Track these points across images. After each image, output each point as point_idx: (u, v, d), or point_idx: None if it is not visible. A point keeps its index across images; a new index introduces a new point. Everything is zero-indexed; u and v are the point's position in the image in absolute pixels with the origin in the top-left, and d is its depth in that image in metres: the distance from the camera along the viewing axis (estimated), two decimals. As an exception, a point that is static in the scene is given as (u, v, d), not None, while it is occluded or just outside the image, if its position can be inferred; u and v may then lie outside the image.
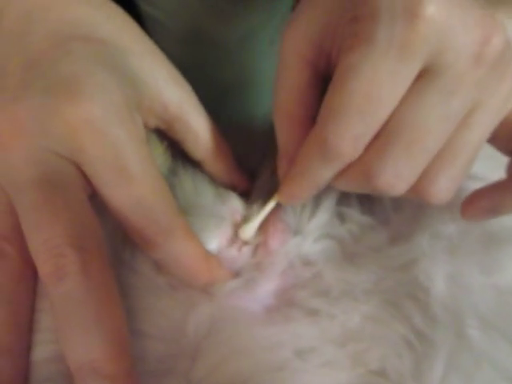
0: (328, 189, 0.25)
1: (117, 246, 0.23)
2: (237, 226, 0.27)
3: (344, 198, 0.28)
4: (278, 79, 0.24)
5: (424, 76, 0.20)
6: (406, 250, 0.25)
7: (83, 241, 0.20)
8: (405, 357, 0.23)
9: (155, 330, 0.22)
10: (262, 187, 0.29)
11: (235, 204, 0.28)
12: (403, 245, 0.25)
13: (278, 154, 0.26)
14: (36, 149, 0.21)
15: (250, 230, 0.27)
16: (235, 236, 0.28)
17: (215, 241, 0.26)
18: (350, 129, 0.20)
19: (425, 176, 0.22)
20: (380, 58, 0.19)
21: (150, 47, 0.26)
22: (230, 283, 0.25)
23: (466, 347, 0.23)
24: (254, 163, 0.31)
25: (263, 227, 0.27)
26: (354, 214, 0.27)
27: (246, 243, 0.27)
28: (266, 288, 0.25)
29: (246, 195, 0.30)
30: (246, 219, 0.28)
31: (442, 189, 0.22)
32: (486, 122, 0.22)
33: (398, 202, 0.27)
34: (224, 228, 0.27)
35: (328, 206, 0.27)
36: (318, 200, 0.28)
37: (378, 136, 0.21)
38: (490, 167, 0.26)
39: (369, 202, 0.28)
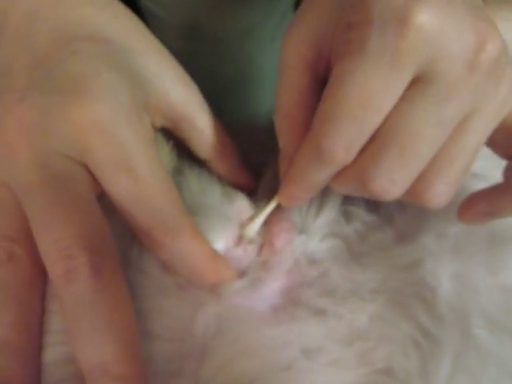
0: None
1: (124, 247, 0.23)
2: (243, 226, 0.28)
3: (349, 197, 0.28)
4: (278, 81, 0.24)
5: (417, 83, 0.20)
6: (412, 250, 0.25)
7: (93, 242, 0.20)
8: (411, 356, 0.23)
9: (163, 331, 0.22)
10: (267, 186, 0.29)
11: (241, 204, 0.28)
12: (409, 244, 0.25)
13: (280, 155, 0.26)
14: (44, 150, 0.21)
15: (252, 229, 0.27)
16: (241, 236, 0.28)
17: (222, 241, 0.26)
18: (343, 134, 0.21)
19: (421, 180, 0.22)
20: (372, 66, 0.20)
21: (155, 46, 0.25)
22: (237, 283, 0.25)
23: (472, 346, 0.23)
24: (259, 161, 0.31)
25: (268, 226, 0.27)
26: (360, 212, 0.27)
27: (250, 242, 0.27)
28: (272, 287, 0.25)
29: (252, 194, 0.30)
30: (249, 218, 0.28)
31: (439, 193, 0.22)
32: (483, 128, 0.22)
33: (403, 202, 0.27)
34: (230, 228, 0.27)
35: (333, 204, 0.27)
36: (323, 199, 0.28)
37: (372, 141, 0.21)
38: (493, 166, 0.26)
39: (374, 200, 0.28)
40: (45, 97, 0.21)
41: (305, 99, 0.23)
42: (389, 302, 0.24)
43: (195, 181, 0.28)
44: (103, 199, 0.22)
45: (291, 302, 0.25)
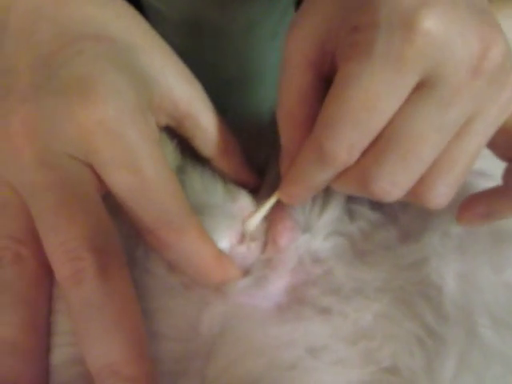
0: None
1: (130, 247, 0.23)
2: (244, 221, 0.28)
3: (353, 195, 0.28)
4: (281, 79, 0.24)
5: (421, 87, 0.20)
6: (416, 249, 0.25)
7: (100, 243, 0.20)
8: (416, 354, 0.23)
9: (169, 330, 0.22)
10: (270, 184, 0.29)
11: (244, 201, 0.28)
12: (414, 243, 0.25)
13: (281, 153, 0.26)
14: (49, 151, 0.21)
15: (252, 223, 0.27)
16: (243, 234, 0.28)
17: (226, 239, 0.26)
18: (346, 137, 0.21)
19: (423, 182, 0.22)
20: (377, 70, 0.20)
21: (159, 44, 0.25)
22: (242, 282, 0.25)
23: (477, 345, 0.23)
24: (261, 159, 0.31)
25: (272, 225, 0.27)
26: (364, 211, 0.27)
27: (253, 239, 0.27)
28: (277, 285, 0.25)
29: (255, 191, 0.29)
30: (250, 213, 0.28)
31: (440, 194, 0.23)
32: (484, 131, 0.22)
33: (407, 201, 0.28)
34: (234, 226, 0.27)
35: (337, 202, 0.27)
36: (327, 197, 0.28)
37: (375, 143, 0.21)
38: (498, 164, 0.26)
39: (378, 199, 0.28)
40: (50, 97, 0.21)
41: (307, 98, 0.23)
42: (394, 301, 0.24)
43: (198, 179, 0.28)
44: (108, 199, 0.22)
45: (296, 301, 0.25)
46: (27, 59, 0.22)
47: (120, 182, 0.21)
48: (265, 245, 0.27)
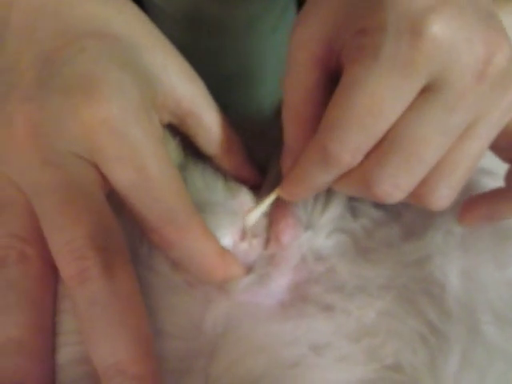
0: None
1: (133, 245, 0.23)
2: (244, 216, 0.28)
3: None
4: (287, 77, 0.24)
5: (426, 92, 0.20)
6: (420, 246, 0.25)
7: (105, 241, 0.20)
8: (420, 352, 0.23)
9: (173, 329, 0.22)
10: (272, 182, 0.29)
11: (245, 198, 0.28)
12: (417, 241, 0.25)
13: (283, 151, 0.26)
14: (53, 150, 0.21)
15: (252, 218, 0.27)
16: (245, 230, 0.28)
17: (228, 236, 0.26)
18: (350, 140, 0.21)
19: (425, 184, 0.22)
20: (384, 74, 0.20)
21: (161, 41, 0.25)
22: (245, 279, 0.25)
23: (480, 342, 0.23)
24: (263, 156, 0.31)
25: (274, 222, 0.27)
26: (367, 208, 0.27)
27: (255, 236, 0.27)
28: (280, 283, 0.25)
29: (256, 188, 0.29)
30: (250, 208, 0.28)
31: (442, 196, 0.23)
32: (487, 134, 0.22)
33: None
34: (236, 223, 0.27)
35: (340, 200, 0.27)
36: (329, 194, 0.28)
37: (378, 145, 0.21)
38: (502, 162, 0.26)
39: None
40: (53, 96, 0.21)
41: (313, 96, 0.23)
42: (397, 298, 0.24)
43: (199, 177, 0.28)
44: (111, 197, 0.22)
45: (299, 298, 0.25)
46: (29, 57, 0.22)
47: (124, 180, 0.21)
48: (267, 241, 0.27)
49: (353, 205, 0.27)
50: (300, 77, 0.23)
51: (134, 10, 0.25)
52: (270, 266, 0.26)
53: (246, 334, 0.23)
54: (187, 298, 0.23)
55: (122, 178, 0.21)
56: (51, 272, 0.21)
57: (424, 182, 0.22)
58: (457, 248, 0.25)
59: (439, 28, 0.19)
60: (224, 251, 0.24)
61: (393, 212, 0.27)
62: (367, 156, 0.22)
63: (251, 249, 0.27)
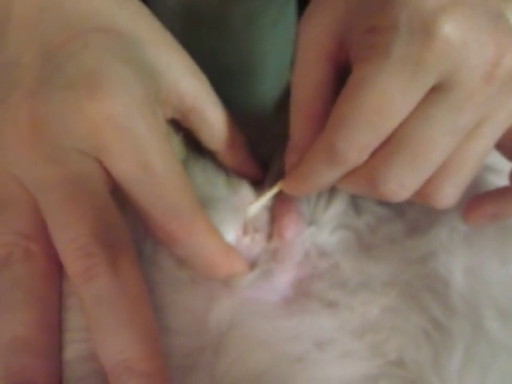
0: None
1: (138, 241, 0.23)
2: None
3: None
4: (295, 72, 0.24)
5: (435, 91, 0.20)
6: (424, 243, 0.25)
7: (111, 238, 0.20)
8: (423, 348, 0.23)
9: (177, 325, 0.22)
10: (275, 177, 0.29)
11: (246, 193, 0.28)
12: (420, 238, 0.25)
13: (288, 145, 0.26)
14: (58, 146, 0.20)
15: (253, 209, 0.27)
16: (248, 225, 0.28)
17: (231, 232, 0.26)
18: (358, 138, 0.21)
19: (430, 183, 0.23)
20: (394, 73, 0.20)
21: (164, 36, 0.25)
22: (249, 275, 0.25)
23: (483, 338, 0.23)
24: (266, 152, 0.31)
25: (277, 218, 0.27)
26: (370, 205, 0.27)
27: (257, 231, 0.27)
28: (283, 279, 0.26)
29: (259, 184, 0.29)
30: (252, 200, 0.28)
31: (447, 195, 0.23)
32: (492, 134, 0.22)
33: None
34: (238, 218, 0.27)
35: (343, 196, 0.28)
36: (333, 190, 0.28)
37: (384, 144, 0.22)
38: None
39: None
40: (57, 92, 0.21)
41: (322, 92, 0.23)
42: (401, 295, 0.24)
43: (201, 173, 0.28)
44: (115, 193, 0.22)
45: (302, 294, 0.25)
46: (32, 52, 0.22)
47: (129, 176, 0.21)
48: (269, 237, 0.27)
49: (356, 201, 0.27)
50: (310, 72, 0.23)
51: (137, 4, 0.25)
52: (274, 261, 0.26)
53: (250, 330, 0.23)
54: (191, 295, 0.23)
55: (127, 174, 0.21)
56: (56, 269, 0.21)
57: (429, 181, 0.22)
58: (461, 245, 0.25)
59: (451, 28, 0.19)
60: (229, 248, 0.24)
61: (396, 209, 0.27)
62: (373, 154, 0.22)
63: (254, 244, 0.27)
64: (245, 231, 0.27)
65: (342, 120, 0.21)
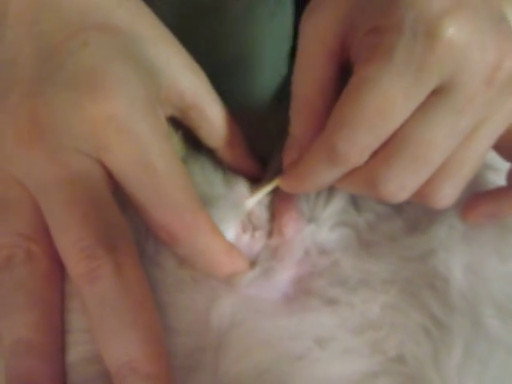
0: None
1: (139, 240, 0.23)
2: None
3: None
4: (297, 68, 0.24)
5: (436, 94, 0.21)
6: (423, 241, 0.25)
7: (114, 240, 0.20)
8: (423, 344, 0.23)
9: (180, 325, 0.22)
10: (273, 174, 0.29)
11: (242, 190, 0.28)
12: (420, 235, 0.26)
13: (288, 141, 0.26)
14: (59, 147, 0.20)
15: (250, 203, 0.27)
16: (247, 222, 0.28)
17: (231, 230, 0.26)
18: (359, 139, 0.21)
19: (429, 184, 0.23)
20: (397, 75, 0.20)
21: (163, 33, 0.25)
22: (249, 273, 0.25)
23: (482, 334, 0.23)
24: (264, 148, 0.31)
25: (277, 216, 0.27)
26: (370, 202, 0.27)
27: (257, 228, 0.27)
28: (284, 277, 0.26)
29: (257, 180, 0.29)
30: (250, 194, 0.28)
31: (446, 196, 0.23)
32: (491, 135, 0.22)
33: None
34: (238, 216, 0.27)
35: (343, 194, 0.28)
36: (332, 188, 0.27)
37: (385, 145, 0.22)
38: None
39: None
40: (57, 91, 0.20)
41: (324, 89, 0.23)
42: (401, 293, 0.24)
43: (199, 171, 0.28)
44: (116, 194, 0.22)
45: (303, 292, 0.25)
46: (29, 50, 0.22)
47: (130, 177, 0.21)
48: (269, 234, 0.27)
49: (356, 199, 0.28)
50: (312, 69, 0.23)
51: (136, 1, 0.24)
52: (274, 259, 0.26)
53: (251, 328, 0.23)
54: (193, 294, 0.23)
55: (128, 175, 0.21)
56: (58, 270, 0.21)
57: (428, 182, 0.22)
58: (460, 242, 0.25)
59: (454, 32, 0.19)
60: (230, 247, 0.24)
61: (396, 206, 0.27)
62: (374, 155, 0.22)
63: (254, 241, 0.27)
64: (244, 228, 0.27)
65: (343, 121, 0.21)
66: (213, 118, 0.26)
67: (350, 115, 0.20)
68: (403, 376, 0.23)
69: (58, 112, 0.20)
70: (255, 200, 0.27)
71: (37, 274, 0.20)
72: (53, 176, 0.20)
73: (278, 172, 0.29)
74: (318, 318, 0.24)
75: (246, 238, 0.27)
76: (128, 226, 0.21)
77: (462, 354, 0.23)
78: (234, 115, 0.28)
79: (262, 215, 0.28)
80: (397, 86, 0.20)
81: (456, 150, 0.22)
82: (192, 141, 0.28)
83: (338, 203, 0.27)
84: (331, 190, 0.28)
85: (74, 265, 0.20)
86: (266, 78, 0.45)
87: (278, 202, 0.28)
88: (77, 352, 0.20)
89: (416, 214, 0.27)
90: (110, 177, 0.22)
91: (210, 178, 0.28)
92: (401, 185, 0.22)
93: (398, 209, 0.27)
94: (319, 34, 0.22)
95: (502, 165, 0.26)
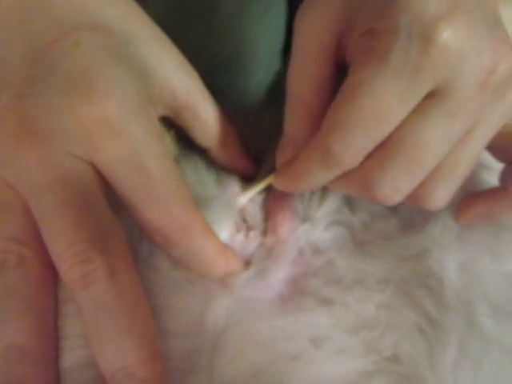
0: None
1: (133, 243, 0.23)
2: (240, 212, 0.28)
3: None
4: (293, 67, 0.23)
5: (430, 97, 0.21)
6: (418, 240, 0.25)
7: (107, 244, 0.20)
8: (418, 343, 0.23)
9: (175, 327, 0.22)
10: (267, 172, 0.29)
11: (234, 189, 0.28)
12: (415, 234, 0.26)
13: (282, 140, 0.25)
14: (50, 150, 0.20)
15: (242, 200, 0.27)
16: (241, 222, 0.28)
17: (225, 230, 0.26)
18: (354, 142, 0.21)
19: (423, 186, 0.23)
20: (392, 78, 0.20)
21: (155, 32, 0.25)
22: (244, 274, 0.25)
23: (476, 333, 0.23)
24: (258, 147, 0.30)
25: (271, 216, 0.27)
26: (364, 201, 0.27)
27: (251, 228, 0.27)
28: (278, 276, 0.26)
29: (251, 180, 0.29)
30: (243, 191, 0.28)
31: (439, 197, 0.23)
32: (484, 137, 0.23)
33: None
34: (232, 216, 0.27)
35: (337, 193, 0.27)
36: (326, 187, 0.27)
37: (379, 148, 0.22)
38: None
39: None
40: (49, 93, 0.20)
41: (320, 88, 0.23)
42: (395, 292, 0.24)
43: (192, 172, 0.27)
44: (109, 196, 0.22)
45: (297, 292, 0.25)
46: (20, 51, 0.21)
47: (124, 180, 0.21)
48: (264, 234, 0.27)
49: (350, 198, 0.28)
50: (308, 68, 0.23)
51: (127, 0, 0.24)
52: (268, 259, 0.26)
53: (246, 329, 0.23)
54: (188, 296, 0.23)
55: (121, 177, 0.21)
56: (51, 274, 0.21)
57: (422, 185, 0.23)
58: (454, 241, 0.25)
59: (449, 36, 0.19)
60: (225, 248, 0.24)
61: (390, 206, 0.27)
62: (368, 158, 0.22)
63: (248, 241, 0.27)
64: (238, 228, 0.27)
65: (338, 123, 0.21)
66: (206, 117, 0.26)
67: (345, 117, 0.20)
68: (398, 375, 0.23)
69: (48, 114, 0.20)
70: (248, 197, 0.27)
71: (29, 279, 0.20)
72: (44, 179, 0.20)
73: (273, 171, 0.28)
74: (312, 318, 0.24)
75: (240, 237, 0.27)
76: (121, 228, 0.21)
77: (457, 352, 0.23)
78: (229, 114, 0.28)
79: (256, 215, 0.28)
80: (392, 89, 0.20)
81: (450, 152, 0.22)
82: (184, 140, 0.28)
83: (332, 203, 0.27)
84: (325, 190, 0.28)
85: (67, 269, 0.19)
86: (260, 75, 0.45)
87: (273, 202, 0.28)
88: (71, 357, 0.20)
89: (410, 214, 0.27)
90: (102, 179, 0.21)
91: (203, 179, 0.28)
92: (395, 187, 0.22)
93: (393, 208, 0.27)
94: (315, 32, 0.22)
95: (496, 164, 0.26)
